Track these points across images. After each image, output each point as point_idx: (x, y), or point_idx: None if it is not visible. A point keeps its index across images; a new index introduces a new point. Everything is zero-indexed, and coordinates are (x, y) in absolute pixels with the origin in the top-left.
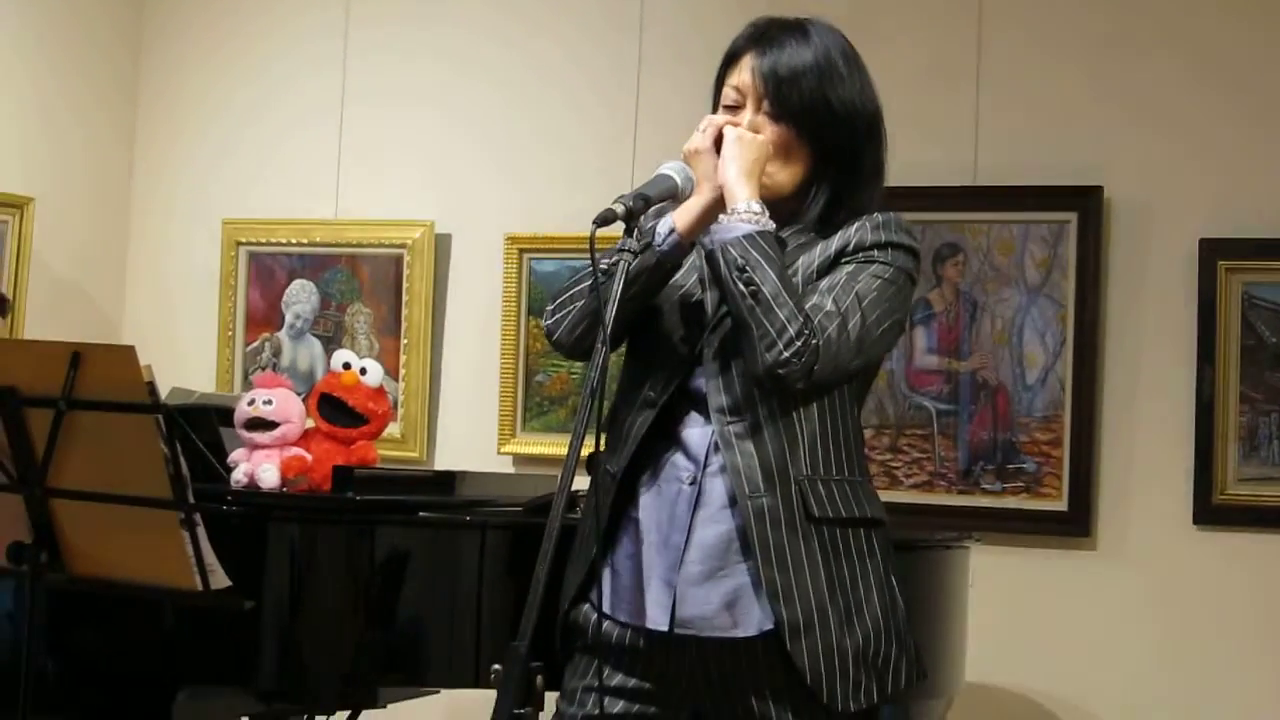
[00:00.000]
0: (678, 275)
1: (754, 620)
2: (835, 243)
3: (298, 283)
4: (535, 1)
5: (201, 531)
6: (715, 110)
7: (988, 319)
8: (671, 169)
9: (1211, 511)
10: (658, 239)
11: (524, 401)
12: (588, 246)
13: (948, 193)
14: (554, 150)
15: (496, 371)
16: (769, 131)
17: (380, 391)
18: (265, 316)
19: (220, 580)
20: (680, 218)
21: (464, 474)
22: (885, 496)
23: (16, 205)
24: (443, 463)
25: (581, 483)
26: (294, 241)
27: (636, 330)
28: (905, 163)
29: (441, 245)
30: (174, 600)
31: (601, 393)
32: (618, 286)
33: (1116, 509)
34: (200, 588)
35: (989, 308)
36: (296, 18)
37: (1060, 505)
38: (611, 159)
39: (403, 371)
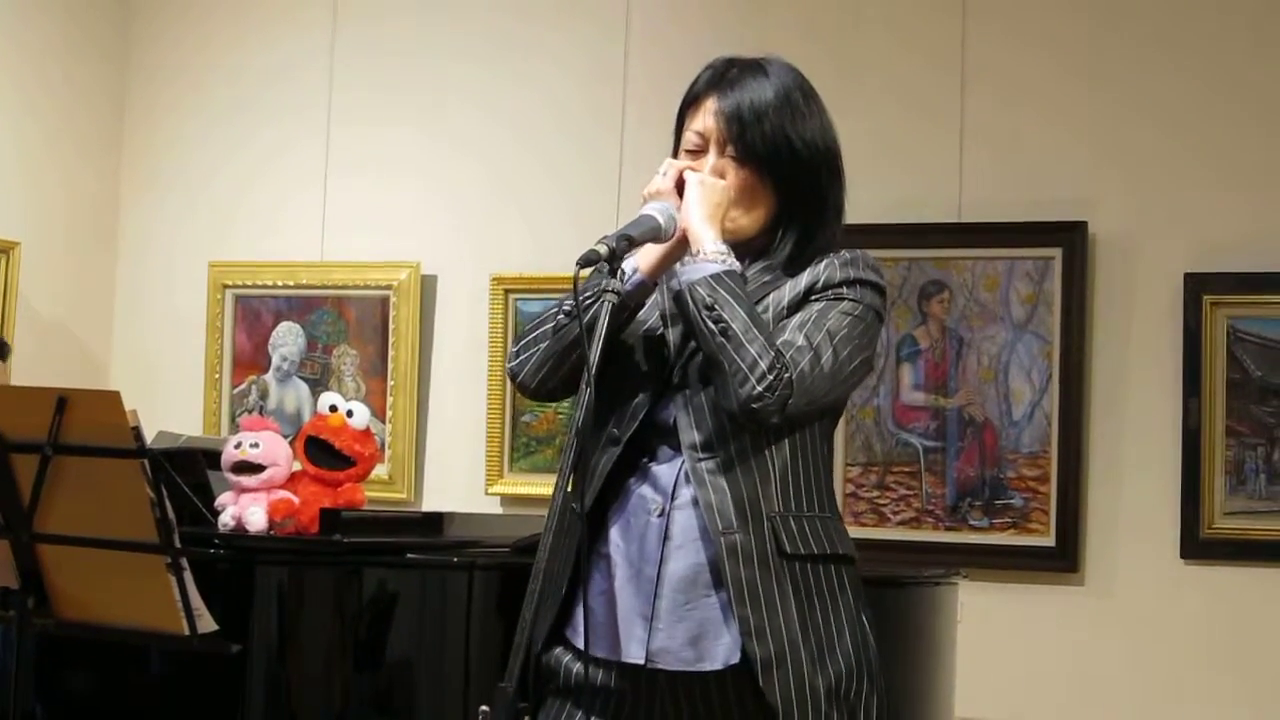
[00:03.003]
0: (640, 313)
1: (720, 654)
2: (804, 280)
3: (284, 325)
4: (521, 47)
5: (188, 575)
6: (676, 154)
7: (974, 355)
8: (655, 209)
9: (1199, 545)
10: (622, 280)
11: (511, 442)
12: (572, 287)
13: (933, 229)
14: (539, 192)
15: (483, 412)
16: (733, 175)
17: (367, 433)
18: (251, 359)
19: (207, 624)
20: (643, 258)
21: (452, 515)
22: (873, 533)
23: (3, 249)
24: (430, 504)
25: None
26: (280, 284)
27: (601, 368)
28: (890, 200)
29: (427, 286)
30: (161, 644)
31: (588, 432)
32: (602, 326)
33: (1104, 544)
34: (187, 632)
35: (975, 344)
36: (282, 62)
37: (1048, 541)
38: (596, 200)
39: (390, 413)
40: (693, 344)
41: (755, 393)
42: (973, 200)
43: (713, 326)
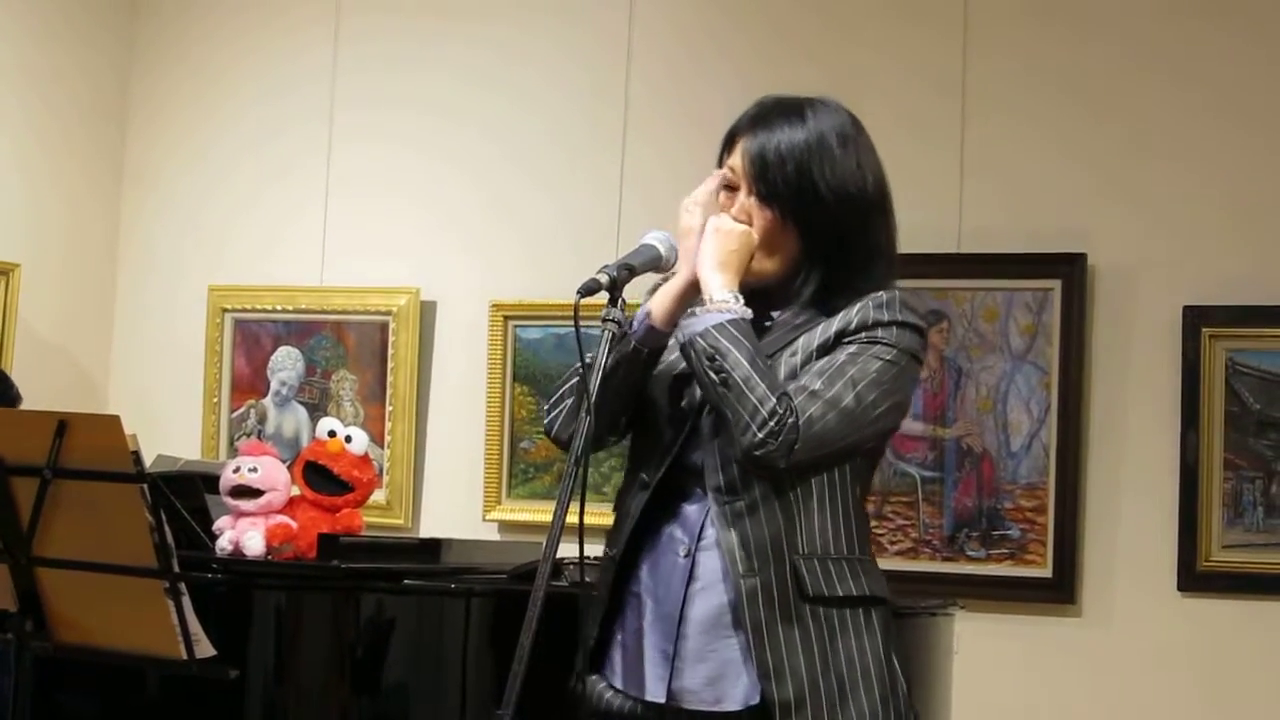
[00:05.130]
0: (668, 355)
1: (739, 695)
2: (836, 323)
3: (283, 349)
4: (521, 72)
5: (186, 600)
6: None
7: (972, 386)
8: (655, 239)
9: (1196, 578)
10: (633, 325)
11: (509, 468)
12: (572, 316)
13: (932, 260)
14: (539, 219)
15: (482, 438)
16: (758, 217)
17: (365, 459)
18: (250, 383)
19: (205, 649)
20: (656, 302)
21: (449, 541)
22: None
23: (2, 271)
24: (428, 530)
25: (567, 550)
26: (279, 308)
27: (634, 415)
28: None
29: (427, 312)
30: (159, 669)
31: (586, 459)
32: (602, 356)
33: (1101, 576)
34: (185, 656)
35: (973, 374)
36: (283, 86)
37: (1045, 572)
38: (596, 228)
39: (388, 439)
40: None
41: (757, 440)
42: (972, 231)
43: (714, 377)
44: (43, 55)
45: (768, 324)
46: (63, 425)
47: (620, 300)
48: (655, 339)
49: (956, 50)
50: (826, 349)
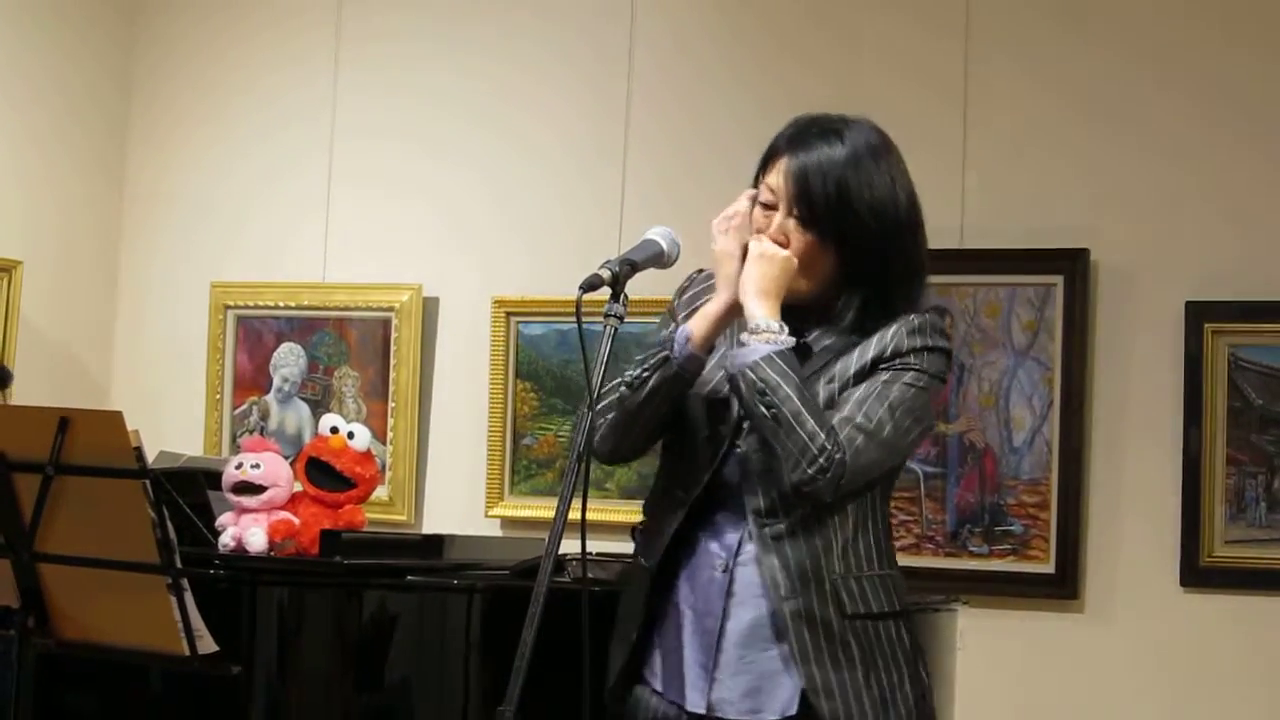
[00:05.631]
0: (706, 374)
1: (778, 705)
2: (872, 348)
3: (285, 346)
4: (523, 69)
5: (189, 596)
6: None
7: (975, 381)
8: (658, 234)
9: (1199, 573)
10: (675, 349)
11: (511, 464)
12: (575, 311)
13: (934, 255)
14: (541, 214)
15: (484, 435)
16: (797, 239)
17: (368, 455)
18: (253, 379)
19: (208, 645)
20: (697, 325)
21: (452, 537)
22: None
23: (4, 268)
24: (430, 526)
25: (570, 546)
26: (282, 305)
27: (665, 429)
28: None
29: (429, 309)
30: (161, 665)
31: (588, 456)
32: (604, 349)
33: (1104, 571)
34: (187, 653)
35: (976, 370)
36: (285, 84)
37: (1048, 568)
38: (598, 223)
39: (390, 435)
40: None
41: (807, 476)
42: (975, 227)
43: (764, 411)
44: (45, 51)
45: (804, 340)
46: (65, 421)
47: (623, 295)
48: (697, 363)
49: (959, 46)
50: (863, 375)
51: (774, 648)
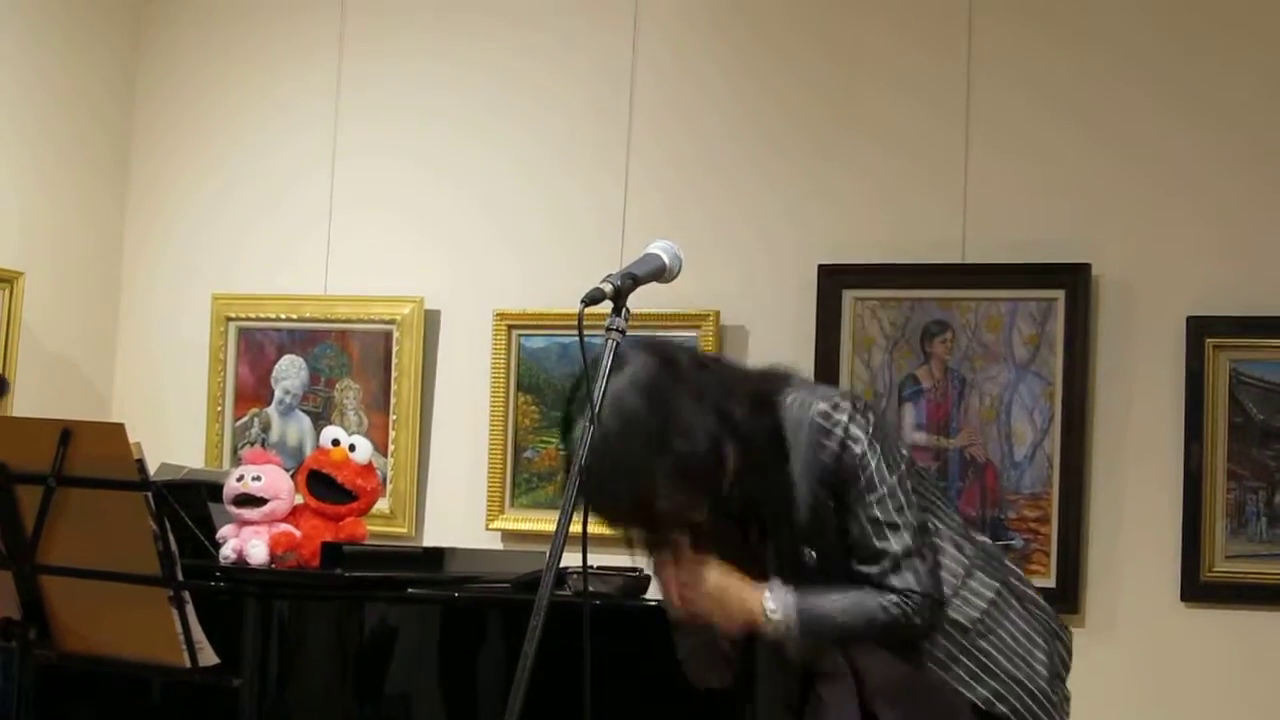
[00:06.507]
0: None
1: None
2: (804, 488)
3: (287, 358)
4: (525, 85)
5: (190, 609)
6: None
7: (976, 396)
8: (660, 249)
9: (1199, 588)
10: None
11: (512, 477)
12: (576, 325)
13: (936, 270)
14: (543, 228)
15: (485, 447)
16: (682, 549)
17: (369, 468)
18: (254, 391)
19: (209, 657)
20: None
21: (453, 550)
22: None
23: (7, 280)
24: (431, 538)
25: (571, 559)
26: (283, 317)
27: None
28: (894, 240)
29: (431, 321)
30: (162, 677)
31: (589, 469)
32: (606, 362)
33: (1105, 586)
34: (188, 665)
35: (977, 385)
36: (288, 97)
37: (1048, 582)
38: (600, 237)
39: (392, 447)
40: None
41: (919, 630)
42: (976, 241)
43: (840, 649)
44: (48, 64)
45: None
46: (67, 433)
47: (625, 309)
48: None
49: (961, 63)
50: (831, 512)
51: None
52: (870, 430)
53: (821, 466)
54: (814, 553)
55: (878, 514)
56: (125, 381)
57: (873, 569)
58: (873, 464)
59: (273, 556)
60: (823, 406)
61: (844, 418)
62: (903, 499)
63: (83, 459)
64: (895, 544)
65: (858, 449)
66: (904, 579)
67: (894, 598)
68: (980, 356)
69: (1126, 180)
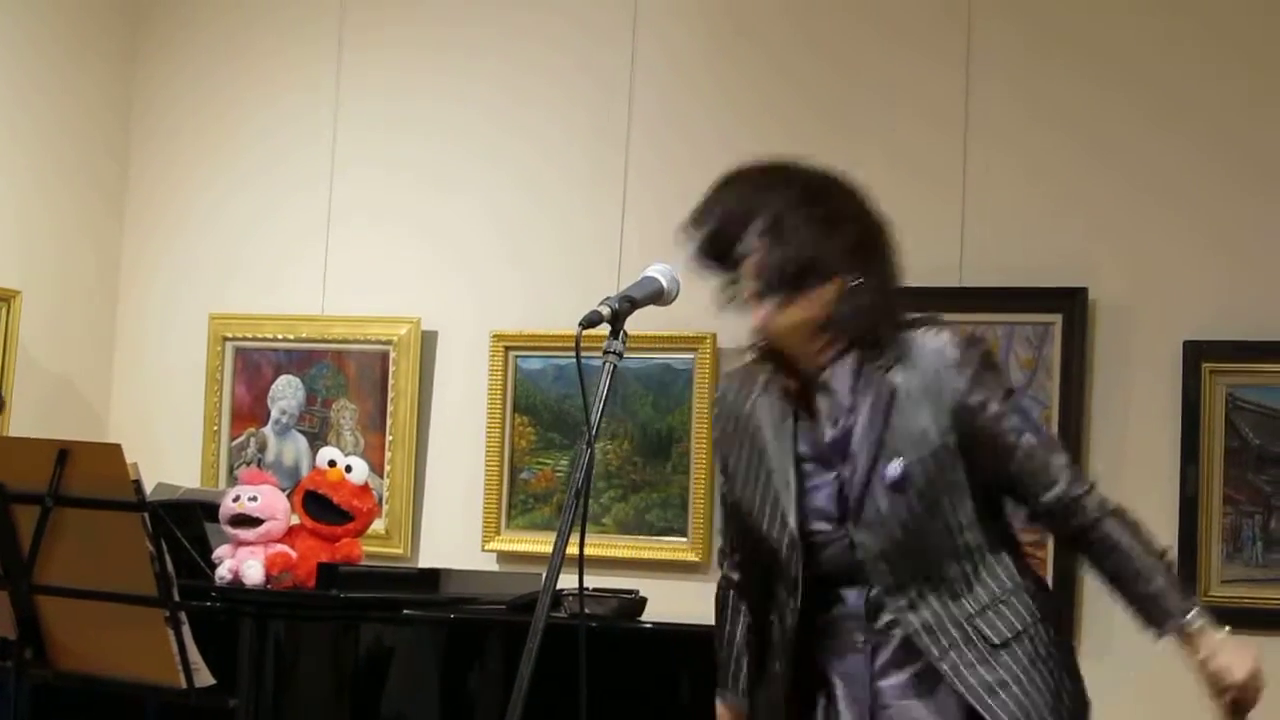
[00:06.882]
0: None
1: None
2: (934, 401)
3: (283, 378)
4: (523, 102)
5: (186, 630)
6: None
7: None
8: (658, 272)
9: None
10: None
11: (509, 499)
12: (574, 347)
13: (932, 293)
14: (541, 249)
15: (481, 468)
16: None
17: (365, 488)
18: (251, 411)
19: (204, 678)
20: None
21: (448, 571)
22: None
23: (4, 299)
24: (427, 559)
25: (567, 581)
26: (280, 337)
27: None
28: None
29: (428, 342)
30: (158, 697)
31: (586, 491)
32: (604, 385)
33: (1100, 609)
34: (184, 685)
35: None
36: (285, 115)
37: None
38: (598, 259)
39: (388, 468)
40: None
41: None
42: (973, 265)
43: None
44: (44, 83)
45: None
46: (64, 453)
47: (622, 332)
48: None
49: (959, 86)
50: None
51: (923, 699)
52: (1009, 385)
53: (954, 391)
54: (903, 463)
55: (1033, 440)
56: (122, 401)
57: (1057, 489)
58: (1013, 414)
59: (269, 577)
60: (959, 339)
61: (974, 351)
62: (1038, 422)
63: (80, 479)
64: (1060, 457)
65: (991, 380)
66: (1085, 482)
67: (1106, 502)
68: None
69: (1123, 205)
